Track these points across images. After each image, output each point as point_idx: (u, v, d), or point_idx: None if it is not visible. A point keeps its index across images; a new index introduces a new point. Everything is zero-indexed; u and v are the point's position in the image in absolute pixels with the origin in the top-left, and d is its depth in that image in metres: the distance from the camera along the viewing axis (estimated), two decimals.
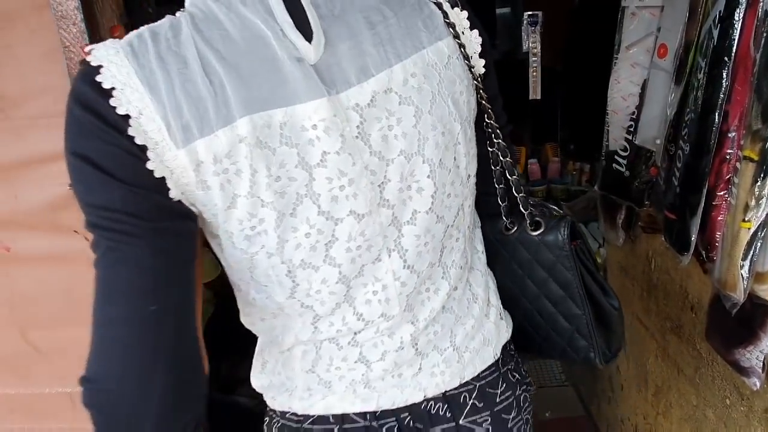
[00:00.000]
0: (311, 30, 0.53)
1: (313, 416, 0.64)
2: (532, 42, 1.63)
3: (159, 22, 0.52)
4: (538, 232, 0.70)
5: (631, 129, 1.27)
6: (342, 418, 0.64)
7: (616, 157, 1.33)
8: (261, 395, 0.70)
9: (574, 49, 1.59)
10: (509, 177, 0.70)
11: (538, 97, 1.70)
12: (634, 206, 1.33)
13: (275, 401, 0.66)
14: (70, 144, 0.49)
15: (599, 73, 1.56)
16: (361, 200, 0.56)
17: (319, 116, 0.52)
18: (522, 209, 0.71)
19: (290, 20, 0.52)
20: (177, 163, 0.49)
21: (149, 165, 0.48)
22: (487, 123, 0.67)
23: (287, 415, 0.66)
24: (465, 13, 0.64)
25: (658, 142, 1.15)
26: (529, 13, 1.64)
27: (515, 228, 0.72)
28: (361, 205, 0.56)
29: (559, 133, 2.74)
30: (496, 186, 0.72)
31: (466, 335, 0.67)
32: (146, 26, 0.51)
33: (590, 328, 0.71)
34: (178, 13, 0.52)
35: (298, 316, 0.60)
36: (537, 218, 0.71)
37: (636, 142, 1.25)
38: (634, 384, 1.71)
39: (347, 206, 0.55)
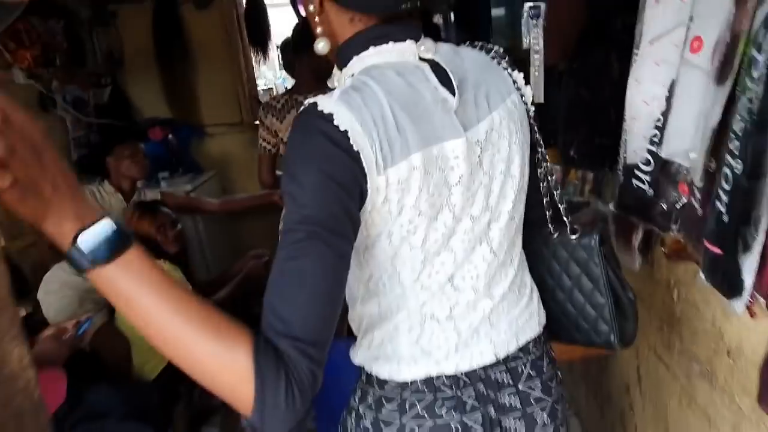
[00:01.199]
0: (453, 87, 0.75)
1: (409, 385, 0.80)
2: (533, 37, 1.42)
3: (350, 83, 0.72)
4: (576, 236, 0.91)
5: (656, 139, 1.06)
6: (435, 389, 0.80)
7: (636, 171, 1.12)
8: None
9: (583, 45, 1.39)
10: (553, 192, 0.91)
11: (542, 101, 1.49)
12: (658, 231, 1.12)
13: (382, 369, 0.81)
14: (318, 166, 0.64)
15: (611, 71, 1.36)
16: (476, 207, 0.78)
17: (460, 150, 0.74)
18: (564, 218, 0.92)
19: (438, 82, 0.75)
20: (377, 184, 0.67)
21: (366, 186, 0.67)
22: (538, 150, 0.90)
23: (386, 386, 0.81)
24: (521, 74, 0.87)
25: (692, 156, 0.94)
26: (531, 4, 1.43)
27: (558, 233, 0.93)
28: (476, 210, 0.78)
29: (559, 137, 2.53)
30: (543, 199, 0.92)
31: (521, 311, 0.87)
32: (346, 87, 0.71)
33: (611, 314, 0.92)
34: (357, 76, 0.73)
35: (415, 296, 0.77)
36: (575, 226, 0.92)
37: (662, 155, 1.04)
38: (650, 428, 1.50)
39: (468, 211, 0.77)
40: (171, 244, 2.28)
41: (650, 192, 1.08)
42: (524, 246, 0.92)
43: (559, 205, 0.91)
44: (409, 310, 0.78)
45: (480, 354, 0.81)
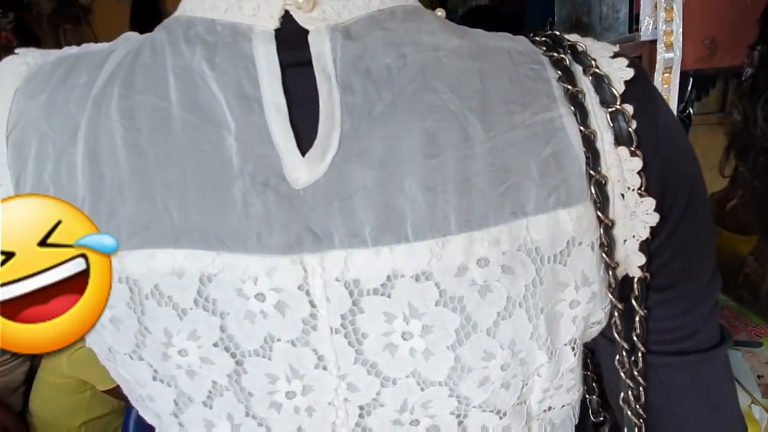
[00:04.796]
0: (317, 130, 0.30)
1: None
2: (664, 20, 0.76)
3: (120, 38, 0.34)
4: None
5: None
6: None
7: None
8: None
9: None
10: None
11: None
12: None
13: None
14: None
15: None
16: (320, 419, 0.34)
17: (273, 282, 0.30)
18: None
19: (284, 105, 0.30)
20: None
21: None
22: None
23: None
24: (637, 162, 0.32)
25: None
26: None
27: None
28: (321, 427, 0.35)
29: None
30: None
31: None
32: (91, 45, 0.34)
33: None
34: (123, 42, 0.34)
35: None
36: None
37: None
38: None
39: (296, 421, 0.35)
40: None
41: None
42: None
43: None
44: None
45: None
